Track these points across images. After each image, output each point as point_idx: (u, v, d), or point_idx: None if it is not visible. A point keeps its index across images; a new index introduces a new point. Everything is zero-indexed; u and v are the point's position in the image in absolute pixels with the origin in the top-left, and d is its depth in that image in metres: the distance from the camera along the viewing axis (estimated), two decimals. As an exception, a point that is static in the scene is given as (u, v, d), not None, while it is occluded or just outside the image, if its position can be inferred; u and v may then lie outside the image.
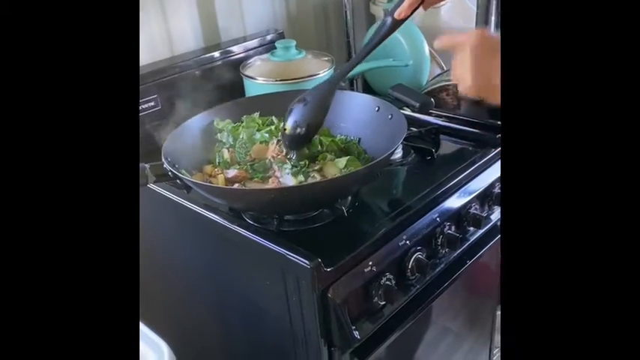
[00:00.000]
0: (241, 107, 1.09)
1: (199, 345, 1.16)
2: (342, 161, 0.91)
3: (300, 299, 0.81)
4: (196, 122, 1.03)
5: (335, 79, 0.95)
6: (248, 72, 1.27)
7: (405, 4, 0.79)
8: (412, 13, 0.81)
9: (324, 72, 1.24)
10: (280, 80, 1.21)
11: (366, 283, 0.83)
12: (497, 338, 1.43)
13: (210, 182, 0.93)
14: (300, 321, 0.83)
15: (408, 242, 0.88)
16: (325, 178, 0.90)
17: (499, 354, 1.59)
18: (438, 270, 0.95)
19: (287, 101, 1.10)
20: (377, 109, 1.02)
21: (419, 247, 0.90)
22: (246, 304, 0.96)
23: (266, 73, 1.26)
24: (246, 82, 1.26)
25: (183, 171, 0.90)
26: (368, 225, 0.88)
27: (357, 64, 0.93)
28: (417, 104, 0.95)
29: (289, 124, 0.93)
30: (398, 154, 1.09)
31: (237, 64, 1.30)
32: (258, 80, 1.22)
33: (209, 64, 1.32)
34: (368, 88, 1.49)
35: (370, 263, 0.83)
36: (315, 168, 0.93)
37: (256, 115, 1.08)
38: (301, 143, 0.94)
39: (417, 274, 0.89)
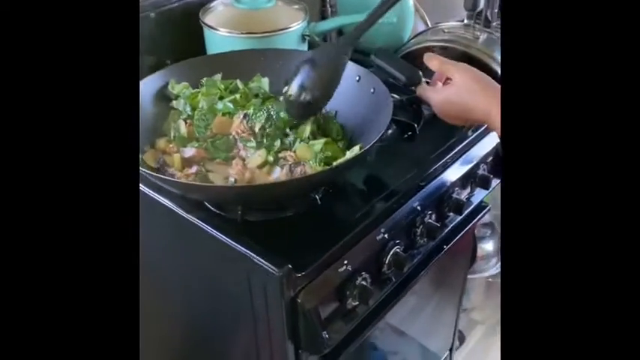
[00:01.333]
0: (200, 67, 0.95)
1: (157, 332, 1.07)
2: (318, 144, 0.80)
3: (266, 303, 0.72)
4: (148, 86, 0.88)
5: (350, 39, 0.81)
6: (208, 19, 1.10)
7: None
8: None
9: (296, 25, 1.09)
10: (245, 33, 1.06)
11: (339, 284, 0.75)
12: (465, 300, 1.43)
13: (163, 161, 0.80)
14: (266, 324, 0.75)
15: (386, 236, 0.80)
16: (297, 163, 0.79)
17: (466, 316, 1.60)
18: (414, 261, 0.88)
19: (253, 62, 0.97)
20: (357, 78, 0.90)
21: (397, 241, 0.82)
22: (208, 296, 0.87)
23: (229, 23, 1.10)
24: (207, 32, 1.10)
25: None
26: (344, 217, 0.79)
27: (376, 20, 0.79)
28: (403, 77, 0.84)
29: (294, 87, 0.80)
30: (375, 127, 0.99)
31: (199, 9, 1.12)
32: (220, 32, 1.06)
33: (167, 6, 1.14)
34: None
35: (345, 262, 0.74)
36: (286, 147, 0.82)
37: (218, 77, 0.94)
38: (307, 113, 0.83)
39: (393, 268, 0.82)
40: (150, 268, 0.86)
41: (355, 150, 0.78)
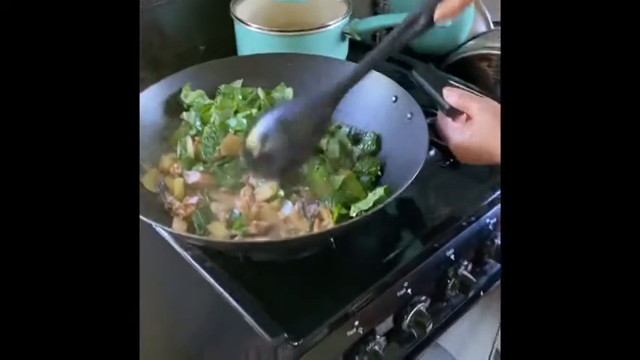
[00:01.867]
0: (220, 71, 0.84)
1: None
2: (337, 180, 0.69)
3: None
4: (157, 92, 0.79)
5: (331, 97, 0.65)
6: (239, 10, 1.00)
7: (455, 3, 0.54)
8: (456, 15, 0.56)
9: (335, 22, 0.96)
10: (277, 30, 0.94)
11: (348, 350, 0.65)
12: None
13: (164, 186, 0.71)
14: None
15: (409, 291, 0.69)
16: (311, 201, 0.68)
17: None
18: (441, 318, 0.77)
19: (279, 67, 0.86)
20: (394, 99, 0.77)
21: (422, 298, 0.70)
22: (199, 336, 0.79)
23: (261, 16, 0.99)
24: (236, 25, 1.00)
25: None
26: (360, 266, 0.68)
27: (364, 72, 0.66)
28: (447, 106, 0.70)
29: (255, 139, 0.65)
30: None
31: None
32: (250, 27, 0.95)
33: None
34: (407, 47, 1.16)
35: (356, 323, 0.64)
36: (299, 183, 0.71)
37: (238, 84, 0.84)
38: (271, 171, 0.67)
39: (413, 329, 0.71)
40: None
41: (379, 193, 0.66)
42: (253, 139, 0.64)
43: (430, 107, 0.75)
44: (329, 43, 0.98)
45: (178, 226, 0.65)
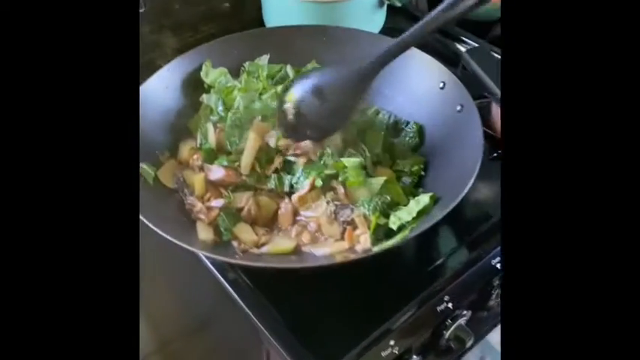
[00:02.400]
0: (244, 45, 0.75)
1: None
2: (376, 183, 0.61)
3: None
4: (176, 69, 0.71)
5: (374, 65, 0.59)
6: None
7: None
8: None
9: (372, -13, 0.86)
10: (308, -4, 0.84)
11: (380, 371, 0.59)
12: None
13: (183, 181, 0.64)
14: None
15: (450, 305, 0.62)
16: (344, 206, 0.61)
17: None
18: (482, 329, 0.71)
19: (312, 42, 0.77)
20: (441, 85, 0.68)
21: (464, 312, 0.64)
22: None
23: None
24: (263, -9, 0.89)
25: (143, 165, 0.62)
26: (398, 279, 0.62)
27: (404, 48, 0.57)
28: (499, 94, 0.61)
29: (291, 105, 0.62)
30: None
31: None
32: (278, -8, 0.85)
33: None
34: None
35: (392, 343, 0.58)
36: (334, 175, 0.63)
37: (264, 60, 0.75)
38: (301, 137, 0.64)
39: (452, 344, 0.65)
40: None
41: (423, 201, 0.58)
42: (290, 99, 0.62)
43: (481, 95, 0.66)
44: (366, 11, 0.87)
45: (204, 234, 0.59)
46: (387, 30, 0.94)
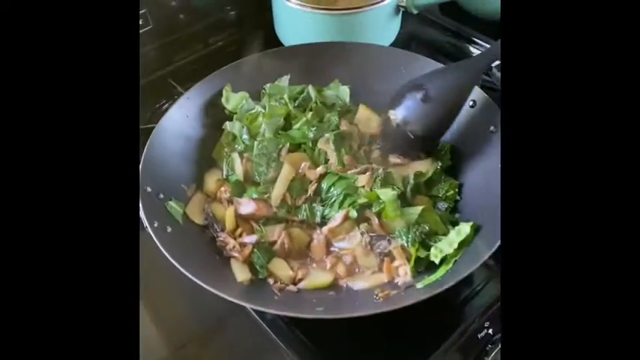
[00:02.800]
0: (262, 67, 0.73)
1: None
2: (413, 213, 0.59)
3: None
4: (195, 97, 0.69)
5: (480, 64, 0.61)
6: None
7: None
8: None
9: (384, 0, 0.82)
10: (322, 8, 0.81)
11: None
12: None
13: (212, 216, 0.63)
14: None
15: (490, 331, 0.61)
16: (380, 237, 0.59)
17: None
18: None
19: (332, 58, 0.74)
20: (471, 103, 0.66)
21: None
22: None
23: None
24: (275, 3, 0.86)
25: (171, 203, 0.60)
26: (433, 310, 0.60)
27: None
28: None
29: (398, 116, 0.62)
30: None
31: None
32: (290, 3, 0.82)
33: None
34: (463, 16, 1.00)
35: (436, 375, 0.57)
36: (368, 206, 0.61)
37: (285, 81, 0.72)
38: (407, 148, 0.66)
39: (494, 367, 0.64)
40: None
41: (464, 232, 0.56)
42: (395, 113, 0.62)
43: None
44: (383, 19, 0.85)
45: (241, 275, 0.57)
46: (404, 34, 0.92)
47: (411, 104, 0.60)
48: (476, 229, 0.57)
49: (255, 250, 0.59)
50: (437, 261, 0.56)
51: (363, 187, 0.61)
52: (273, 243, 0.61)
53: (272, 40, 0.90)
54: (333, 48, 0.74)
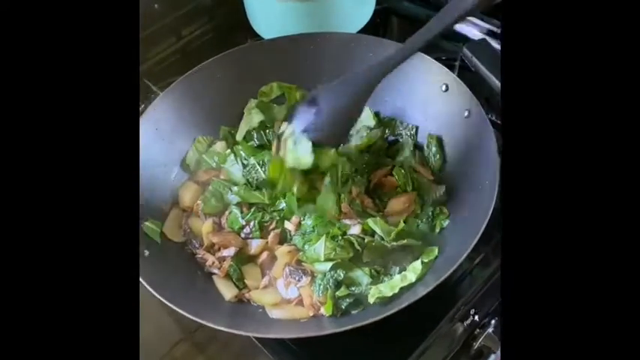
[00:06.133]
0: (229, 68, 0.70)
1: None
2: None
3: None
4: (162, 106, 0.67)
5: (375, 72, 0.56)
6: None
7: None
8: None
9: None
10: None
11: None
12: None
13: (190, 231, 0.63)
14: None
15: (476, 317, 0.62)
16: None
17: None
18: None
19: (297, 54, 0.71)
20: (466, 114, 0.62)
21: (493, 319, 0.63)
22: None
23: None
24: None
25: (147, 224, 0.60)
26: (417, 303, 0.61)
27: (413, 52, 0.53)
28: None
29: (295, 130, 0.59)
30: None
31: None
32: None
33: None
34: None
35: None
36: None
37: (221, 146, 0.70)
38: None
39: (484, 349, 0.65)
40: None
41: (409, 279, 0.56)
42: (292, 126, 0.59)
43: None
44: (350, 3, 0.80)
45: (227, 292, 0.58)
46: (382, 10, 0.88)
47: (305, 116, 0.58)
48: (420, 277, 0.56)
49: (232, 263, 0.59)
50: (371, 301, 0.55)
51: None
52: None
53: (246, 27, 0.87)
54: (310, 40, 0.71)
